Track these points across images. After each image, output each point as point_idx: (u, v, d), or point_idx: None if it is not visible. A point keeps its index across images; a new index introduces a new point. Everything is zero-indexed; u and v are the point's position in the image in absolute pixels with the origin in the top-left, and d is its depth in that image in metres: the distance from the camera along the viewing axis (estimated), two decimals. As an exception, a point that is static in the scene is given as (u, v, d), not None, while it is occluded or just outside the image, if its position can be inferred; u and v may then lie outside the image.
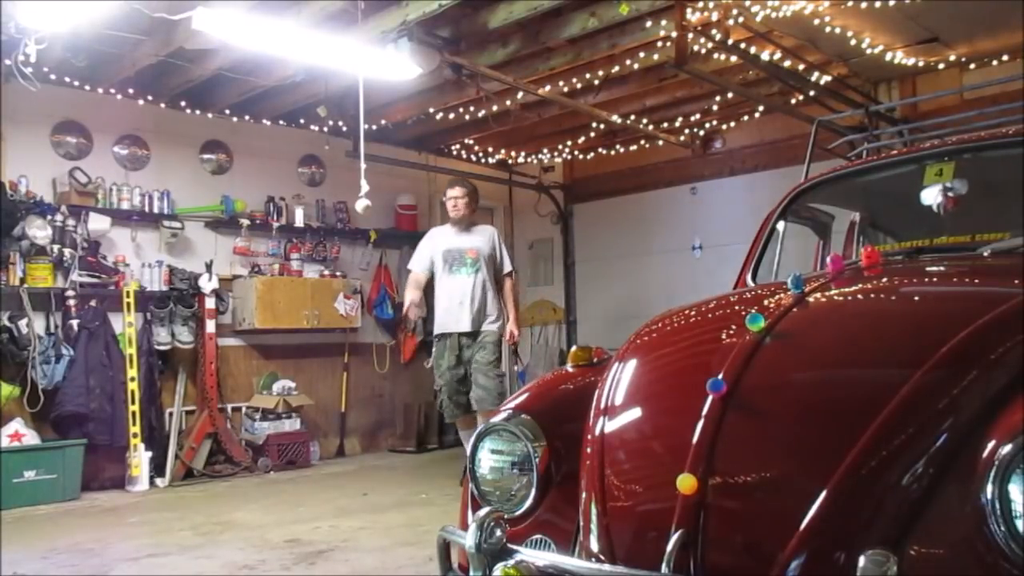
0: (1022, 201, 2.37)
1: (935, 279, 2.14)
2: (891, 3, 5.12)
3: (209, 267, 6.70)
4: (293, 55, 5.36)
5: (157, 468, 6.22)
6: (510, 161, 8.96)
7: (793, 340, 1.68)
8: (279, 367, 7.33)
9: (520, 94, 6.49)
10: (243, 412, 7.03)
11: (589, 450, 1.67)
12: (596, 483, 1.60)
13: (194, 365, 6.73)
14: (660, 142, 7.94)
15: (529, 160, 8.92)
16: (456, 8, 5.02)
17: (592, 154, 8.64)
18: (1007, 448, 1.29)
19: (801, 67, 6.19)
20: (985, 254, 2.22)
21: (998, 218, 2.44)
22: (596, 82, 6.44)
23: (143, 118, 6.63)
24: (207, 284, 6.65)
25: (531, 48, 5.81)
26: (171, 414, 6.57)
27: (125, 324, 6.19)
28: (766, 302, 1.92)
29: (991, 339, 1.53)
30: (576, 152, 8.71)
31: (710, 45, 5.54)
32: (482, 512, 1.64)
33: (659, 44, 5.63)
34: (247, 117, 7.04)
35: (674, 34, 5.23)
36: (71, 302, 6.00)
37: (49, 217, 5.93)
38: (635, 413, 1.75)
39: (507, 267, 5.53)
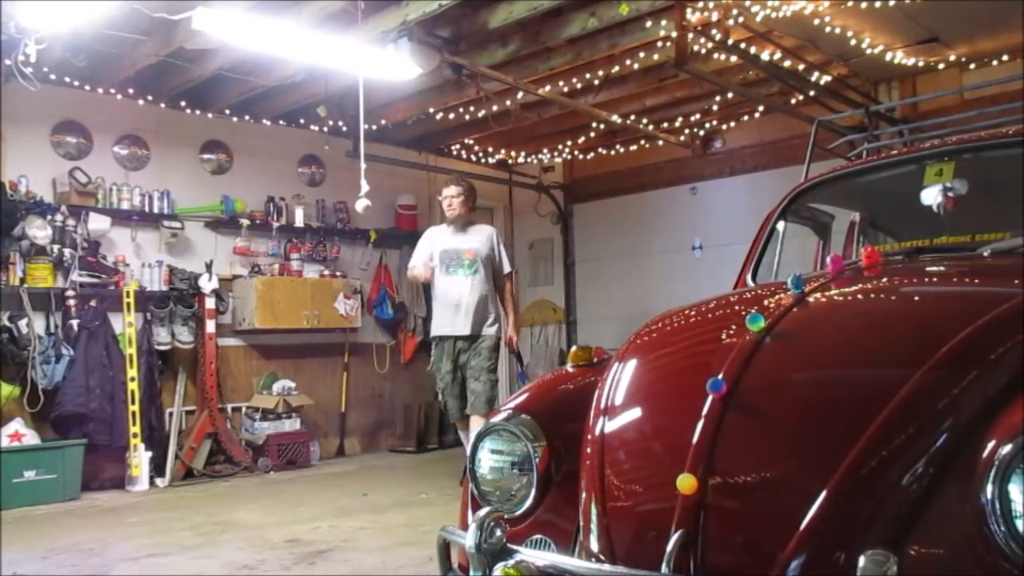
0: (1022, 201, 2.37)
1: (935, 279, 2.14)
2: (891, 3, 5.12)
3: (209, 267, 6.70)
4: (293, 55, 5.36)
5: (157, 468, 6.22)
6: (510, 161, 8.96)
7: (793, 340, 1.68)
8: (279, 367, 7.33)
9: (520, 94, 6.49)
10: (243, 412, 7.03)
11: (589, 450, 1.67)
12: (596, 483, 1.60)
13: (194, 365, 6.73)
14: (660, 142, 7.94)
15: (529, 160, 8.92)
16: (456, 8, 5.01)
17: (592, 154, 8.64)
18: (1007, 448, 1.29)
19: (801, 67, 6.19)
20: (985, 254, 2.22)
21: (998, 218, 2.44)
22: (596, 82, 6.44)
23: (143, 118, 6.63)
24: (207, 284, 6.65)
25: (531, 48, 5.81)
26: (171, 414, 6.57)
27: (125, 324, 6.19)
28: (766, 302, 1.92)
29: (991, 339, 1.53)
30: (576, 152, 8.71)
31: (710, 45, 5.54)
32: (482, 512, 1.64)
33: (659, 44, 5.63)
34: (247, 117, 7.04)
35: (674, 34, 5.23)
36: (71, 302, 6.00)
37: (49, 217, 5.93)
38: (635, 413, 1.75)
39: (506, 268, 5.41)
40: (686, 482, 1.42)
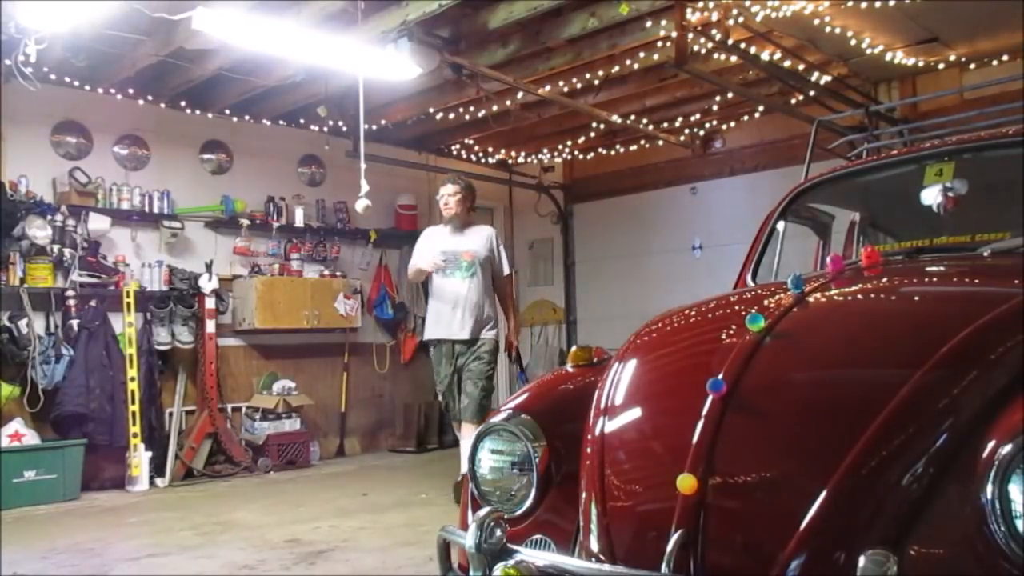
0: (1022, 201, 2.37)
1: (935, 279, 2.14)
2: (891, 3, 5.12)
3: (209, 267, 6.70)
4: (293, 55, 5.36)
5: (157, 468, 6.22)
6: (510, 161, 8.96)
7: (793, 340, 1.68)
8: (279, 367, 7.33)
9: (520, 94, 6.49)
10: (243, 412, 7.03)
11: (589, 450, 1.67)
12: (596, 483, 1.60)
13: (194, 365, 6.73)
14: (660, 142, 7.94)
15: (529, 160, 8.92)
16: (456, 8, 5.02)
17: (592, 154, 8.65)
18: (1007, 448, 1.29)
19: (801, 67, 6.19)
20: (985, 254, 2.22)
21: (998, 218, 2.44)
22: (596, 82, 6.44)
23: (143, 118, 6.63)
24: (207, 284, 6.65)
25: (531, 48, 5.81)
26: (171, 414, 6.57)
27: (125, 324, 6.19)
28: (766, 302, 1.92)
29: (991, 339, 1.53)
30: (576, 152, 8.71)
31: (710, 45, 5.54)
32: (482, 512, 1.64)
33: (659, 44, 5.63)
34: (247, 117, 7.04)
35: (674, 34, 5.23)
36: (71, 302, 6.00)
37: (49, 217, 5.93)
38: (635, 413, 1.75)
39: (506, 270, 5.24)
40: (686, 482, 1.42)
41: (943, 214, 2.47)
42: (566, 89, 6.57)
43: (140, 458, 6.05)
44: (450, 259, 5.08)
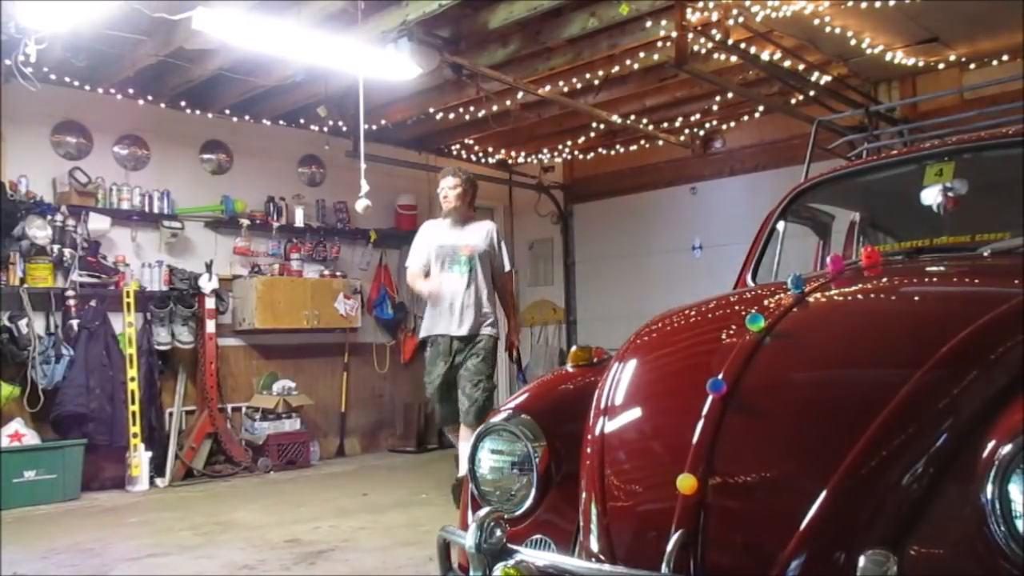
0: (1022, 201, 2.37)
1: (935, 279, 2.14)
2: (891, 3, 5.12)
3: (209, 267, 6.70)
4: (293, 55, 5.36)
5: (157, 468, 6.22)
6: (510, 161, 8.96)
7: (793, 340, 1.68)
8: (279, 367, 7.33)
9: (520, 94, 6.49)
10: (243, 412, 7.03)
11: (589, 450, 1.67)
12: (596, 483, 1.60)
13: (194, 365, 6.73)
14: (660, 142, 7.94)
15: (529, 160, 8.92)
16: (456, 8, 5.02)
17: (592, 154, 8.65)
18: (1007, 448, 1.29)
19: (801, 67, 6.19)
20: (985, 254, 2.22)
21: (998, 218, 2.44)
22: (596, 82, 6.45)
23: (143, 118, 6.63)
24: (207, 284, 6.65)
25: (531, 48, 5.81)
26: (171, 414, 6.57)
27: (125, 324, 6.19)
28: (766, 302, 1.92)
29: (991, 339, 1.53)
30: (576, 152, 8.71)
31: (710, 45, 5.54)
32: (482, 512, 1.64)
33: (659, 44, 5.63)
34: (247, 117, 7.04)
35: (674, 34, 5.23)
36: (71, 302, 6.00)
37: (49, 217, 5.93)
38: (635, 413, 1.75)
39: (507, 266, 5.08)
40: (686, 482, 1.42)
41: (943, 214, 2.47)
42: (566, 89, 6.57)
43: (140, 458, 6.05)
44: (448, 254, 4.93)
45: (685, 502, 1.42)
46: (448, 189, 5.03)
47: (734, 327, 1.73)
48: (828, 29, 5.52)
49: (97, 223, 6.18)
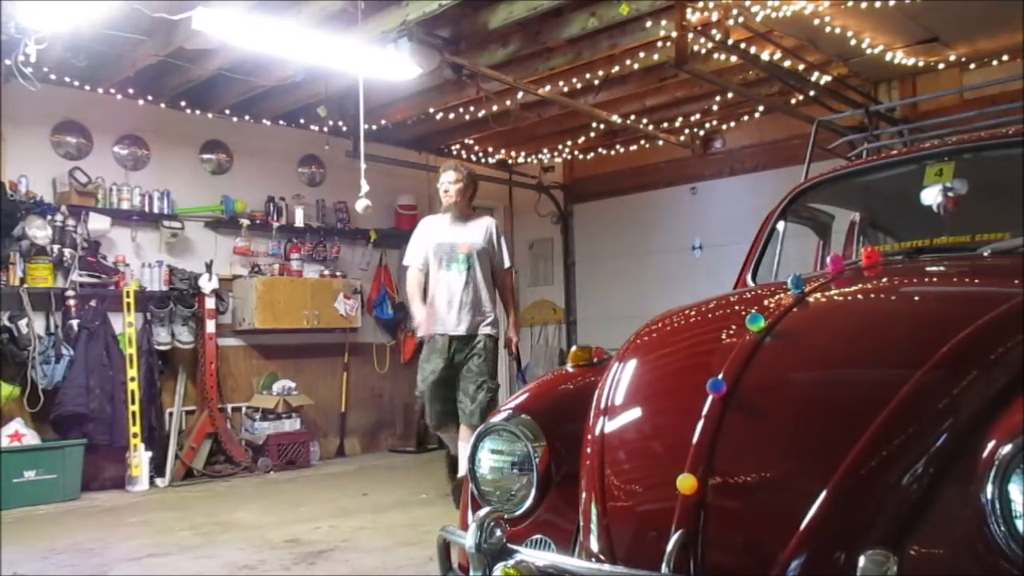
0: (1022, 201, 2.37)
1: (935, 279, 2.14)
2: (891, 3, 5.12)
3: (209, 267, 6.70)
4: (293, 55, 5.36)
5: (157, 468, 6.22)
6: (510, 161, 8.96)
7: (793, 340, 1.68)
8: (279, 367, 7.33)
9: (520, 94, 6.49)
10: (243, 412, 7.03)
11: (589, 450, 1.67)
12: (596, 483, 1.60)
13: (194, 365, 6.73)
14: (660, 142, 7.94)
15: (529, 160, 8.92)
16: (456, 8, 5.01)
17: (592, 154, 8.64)
18: (1007, 448, 1.29)
19: (801, 67, 6.19)
20: (985, 254, 2.22)
21: (998, 218, 2.44)
22: (596, 82, 6.44)
23: (143, 118, 6.63)
24: (207, 284, 6.65)
25: (531, 48, 5.81)
26: (171, 414, 6.57)
27: (125, 324, 6.19)
28: (766, 302, 1.92)
29: (991, 339, 1.53)
30: (576, 152, 8.71)
31: (710, 45, 5.54)
32: (482, 512, 1.64)
33: (659, 44, 5.63)
34: (247, 117, 7.04)
35: (674, 34, 5.23)
36: (71, 302, 6.00)
37: (49, 217, 5.93)
38: (635, 413, 1.75)
39: (507, 262, 5.00)
40: (686, 482, 1.42)
41: (943, 214, 2.47)
42: (566, 89, 6.57)
43: (140, 458, 6.05)
44: (447, 251, 4.86)
45: (685, 502, 1.42)
46: (449, 183, 4.96)
47: (734, 327, 1.73)
48: (828, 29, 5.52)
49: (97, 223, 6.18)
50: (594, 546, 1.54)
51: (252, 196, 7.23)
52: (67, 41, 5.21)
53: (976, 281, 2.07)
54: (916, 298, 2.01)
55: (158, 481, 6.17)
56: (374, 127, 7.17)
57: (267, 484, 6.27)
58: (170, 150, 6.86)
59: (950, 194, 2.46)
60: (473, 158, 8.78)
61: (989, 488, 1.27)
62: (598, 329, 8.66)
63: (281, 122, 7.26)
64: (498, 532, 1.61)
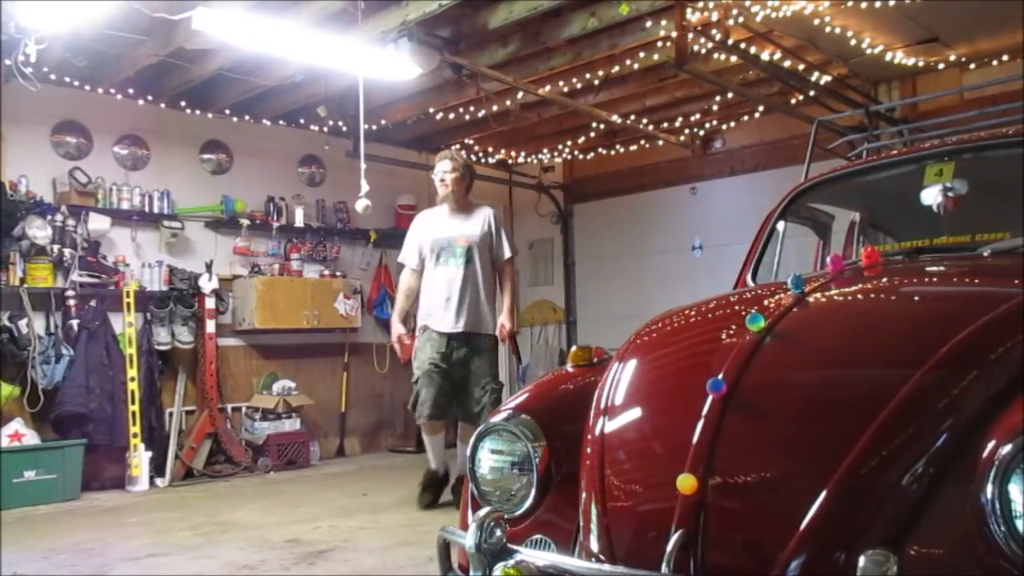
0: (1022, 201, 2.37)
1: (935, 279, 2.14)
2: (891, 3, 5.12)
3: (209, 267, 6.70)
4: (293, 55, 5.36)
5: (157, 468, 6.22)
6: (510, 161, 8.96)
7: (793, 340, 1.68)
8: (279, 367, 7.33)
9: (520, 94, 6.49)
10: (243, 412, 7.03)
11: (589, 450, 1.67)
12: (596, 483, 1.60)
13: (194, 365, 6.73)
14: (660, 142, 7.94)
15: (529, 160, 8.92)
16: (456, 8, 5.01)
17: (592, 154, 8.64)
18: (1007, 448, 1.29)
19: (801, 67, 6.19)
20: (985, 254, 2.22)
21: (998, 218, 2.44)
22: (596, 82, 6.44)
23: (143, 118, 6.63)
24: (207, 284, 6.65)
25: (531, 48, 5.81)
26: (171, 414, 6.57)
27: (125, 324, 6.19)
28: (766, 302, 1.92)
29: (991, 339, 1.53)
30: (576, 152, 8.71)
31: (710, 45, 5.54)
32: (482, 512, 1.64)
33: (659, 44, 5.63)
34: (247, 117, 7.04)
35: (674, 34, 5.23)
36: (71, 302, 5.99)
37: (49, 217, 5.93)
38: (635, 413, 1.75)
39: (506, 253, 4.79)
40: (686, 482, 1.42)
41: (943, 214, 2.47)
42: (566, 89, 6.57)
43: (140, 458, 6.04)
44: (444, 246, 4.72)
45: (685, 502, 1.42)
46: (445, 173, 4.81)
47: (734, 327, 1.73)
48: (828, 29, 5.52)
49: (97, 223, 6.18)
50: (594, 546, 1.54)
51: (252, 196, 7.23)
52: (67, 41, 5.21)
53: (976, 281, 2.07)
54: (916, 298, 2.01)
55: (158, 481, 6.17)
56: (374, 127, 7.17)
57: (267, 484, 6.27)
58: (170, 150, 6.86)
59: (950, 194, 2.46)
60: (473, 158, 8.77)
61: (989, 488, 1.27)
62: (598, 329, 8.66)
63: (281, 122, 7.26)
64: (498, 532, 1.61)
